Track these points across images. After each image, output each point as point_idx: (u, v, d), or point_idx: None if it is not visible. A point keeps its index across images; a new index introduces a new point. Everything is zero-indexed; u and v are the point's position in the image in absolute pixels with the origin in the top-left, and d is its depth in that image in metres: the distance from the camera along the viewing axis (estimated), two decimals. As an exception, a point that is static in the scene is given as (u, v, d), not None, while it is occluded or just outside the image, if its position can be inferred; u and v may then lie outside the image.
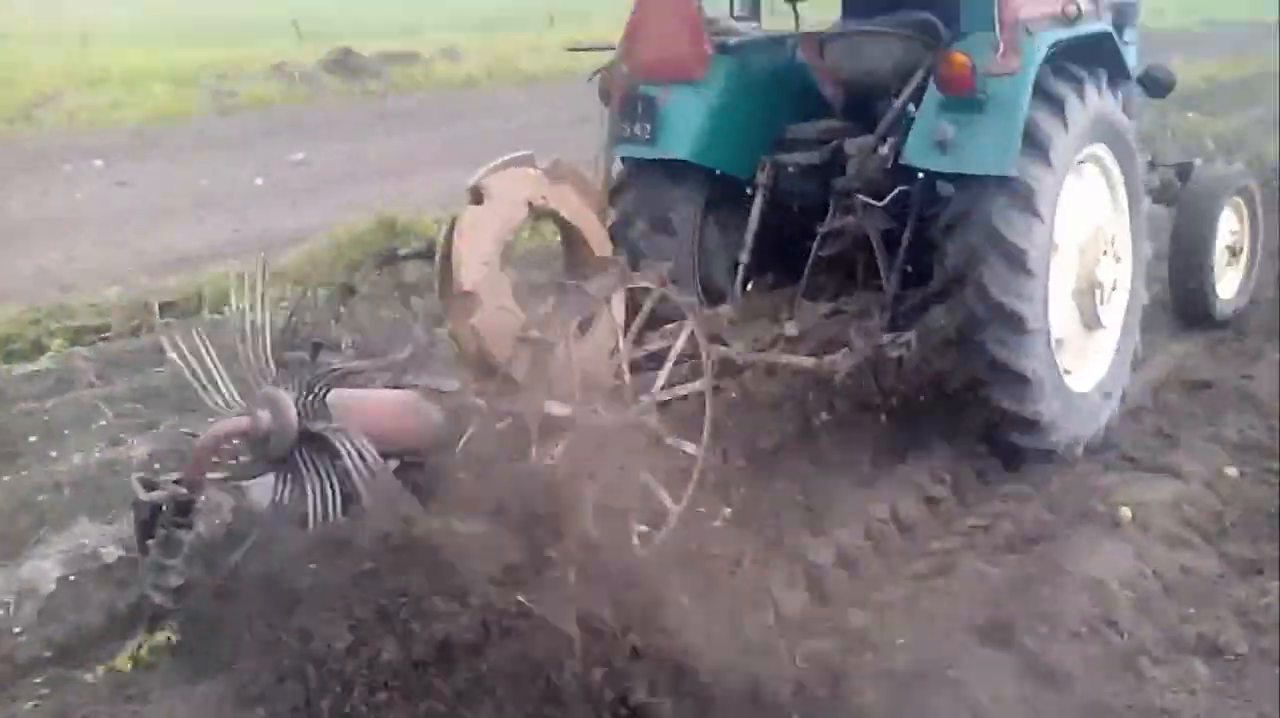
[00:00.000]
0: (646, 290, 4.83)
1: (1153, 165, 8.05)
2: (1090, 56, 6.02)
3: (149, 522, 4.08)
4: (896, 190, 5.92)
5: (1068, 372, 5.98)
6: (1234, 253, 8.21)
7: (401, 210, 10.44)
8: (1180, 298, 8.03)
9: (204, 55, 25.18)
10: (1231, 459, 6.06)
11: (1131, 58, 7.20)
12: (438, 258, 4.68)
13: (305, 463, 4.06)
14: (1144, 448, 6.27)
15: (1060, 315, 5.93)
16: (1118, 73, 6.38)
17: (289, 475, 4.09)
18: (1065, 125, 5.62)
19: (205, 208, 12.68)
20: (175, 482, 4.07)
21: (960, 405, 5.90)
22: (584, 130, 15.60)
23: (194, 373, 4.41)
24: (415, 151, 15.82)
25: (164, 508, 4.04)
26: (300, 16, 32.56)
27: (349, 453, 4.00)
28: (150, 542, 4.08)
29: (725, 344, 5.74)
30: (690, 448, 5.07)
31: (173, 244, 10.96)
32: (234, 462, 4.32)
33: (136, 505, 4.10)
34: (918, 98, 5.82)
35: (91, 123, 18.66)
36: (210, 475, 4.15)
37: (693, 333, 4.98)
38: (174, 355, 4.48)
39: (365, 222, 10.16)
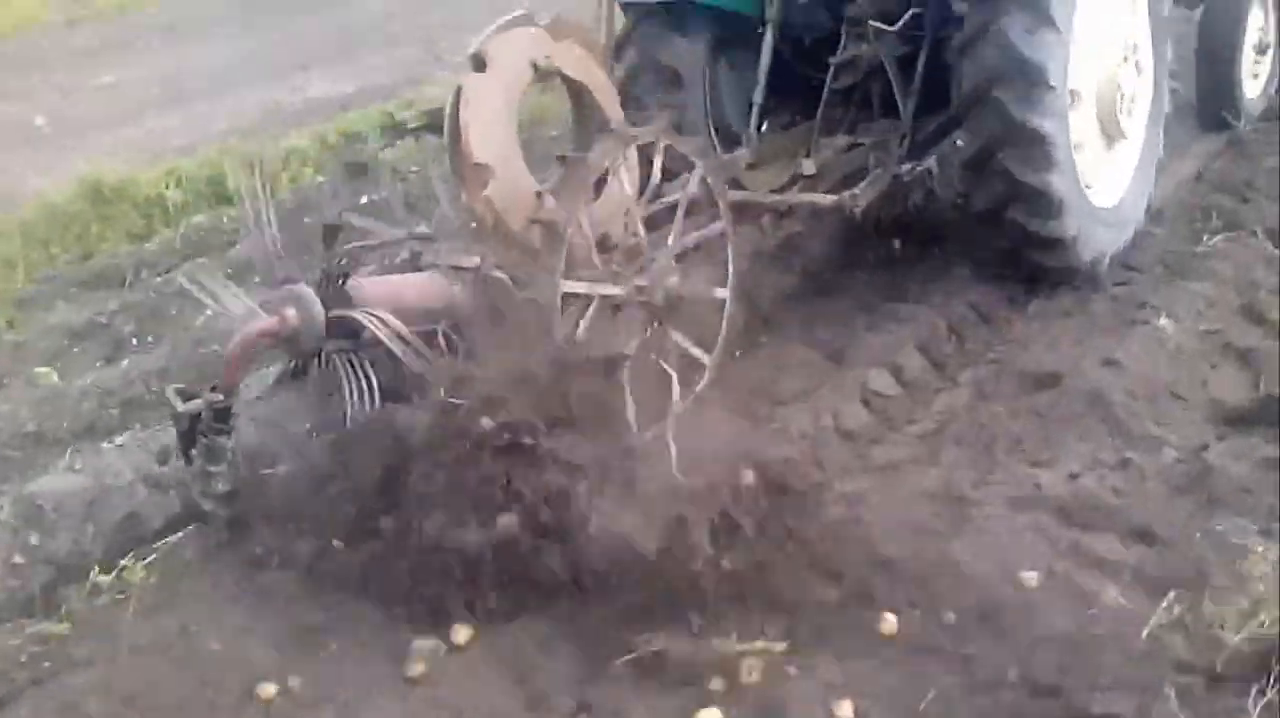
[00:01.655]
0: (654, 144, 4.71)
1: None
2: None
3: (189, 431, 4.05)
4: (910, 13, 5.72)
5: (1089, 186, 5.81)
6: (1260, 50, 7.94)
7: (120, 167, 8.88)
8: (1206, 100, 7.77)
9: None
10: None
11: None
12: (445, 129, 4.55)
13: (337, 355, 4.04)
14: (1173, 254, 6.17)
15: (1081, 129, 5.73)
16: None
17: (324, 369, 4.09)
18: None
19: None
20: (211, 389, 4.04)
21: (984, 230, 5.78)
22: None
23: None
24: (258, 55, 13.53)
25: (202, 416, 4.02)
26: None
27: (379, 328, 3.96)
28: (193, 450, 4.07)
29: (743, 188, 5.63)
30: (720, 292, 4.99)
31: None
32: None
33: (176, 417, 4.06)
34: None
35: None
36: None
37: (706, 179, 4.87)
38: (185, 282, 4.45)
39: (65, 191, 8.46)
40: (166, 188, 8.49)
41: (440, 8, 14.35)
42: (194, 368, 5.58)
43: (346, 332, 4.08)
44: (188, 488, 4.23)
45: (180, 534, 4.33)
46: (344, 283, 4.14)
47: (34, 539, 4.20)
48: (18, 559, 4.13)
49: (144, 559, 4.20)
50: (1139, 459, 4.37)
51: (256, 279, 4.58)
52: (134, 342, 6.48)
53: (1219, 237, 6.29)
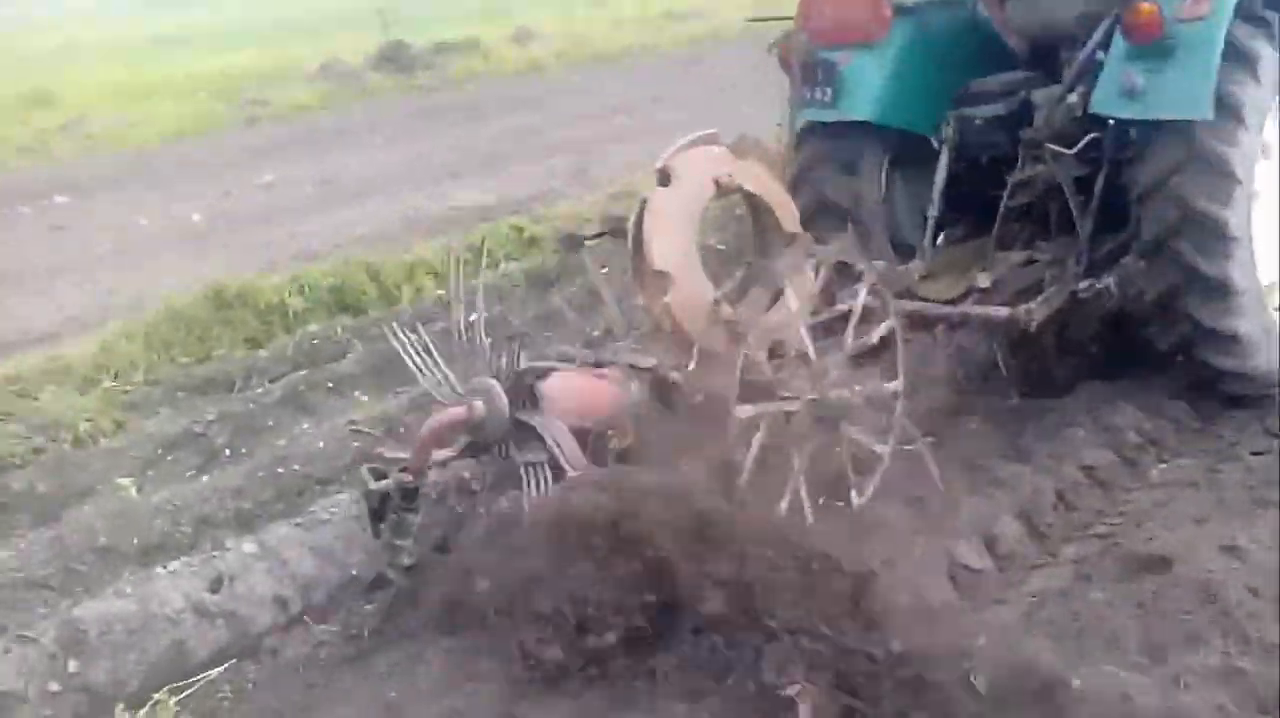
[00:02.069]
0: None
1: None
2: None
3: (380, 508, 4.38)
4: (1088, 138, 5.79)
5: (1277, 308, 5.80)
6: None
7: (247, 274, 9.01)
8: None
9: (261, 57, 23.73)
10: None
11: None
12: (630, 239, 4.84)
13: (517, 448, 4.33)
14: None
15: (1266, 261, 5.69)
16: None
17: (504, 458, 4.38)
18: (1257, 79, 5.42)
19: (113, 258, 11.17)
20: (401, 469, 4.36)
21: (1155, 326, 5.75)
22: (647, 109, 15.47)
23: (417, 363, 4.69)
24: (416, 162, 14.30)
25: (392, 495, 4.34)
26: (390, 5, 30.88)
27: (553, 445, 4.24)
28: (382, 525, 4.39)
29: (918, 298, 5.78)
30: (891, 385, 5.09)
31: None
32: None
33: (367, 494, 4.39)
34: (1104, 46, 5.67)
35: (111, 143, 17.58)
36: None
37: (877, 289, 5.02)
38: (397, 344, 4.77)
39: (189, 294, 8.50)
40: (289, 294, 8.60)
41: (598, 124, 15.15)
42: (271, 487, 5.78)
43: (528, 431, 4.37)
44: (235, 617, 4.49)
45: (222, 668, 4.42)
46: (530, 383, 4.44)
47: (73, 666, 4.17)
48: (54, 687, 4.12)
49: (179, 694, 4.27)
50: (1253, 670, 3.74)
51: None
52: (226, 453, 6.49)
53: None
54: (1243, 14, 5.39)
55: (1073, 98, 5.83)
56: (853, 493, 4.74)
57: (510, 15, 27.06)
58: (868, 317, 5.05)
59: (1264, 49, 5.47)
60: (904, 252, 6.25)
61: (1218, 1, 5.27)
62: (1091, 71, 5.70)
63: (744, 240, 5.81)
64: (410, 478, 4.34)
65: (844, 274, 5.00)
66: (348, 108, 19.02)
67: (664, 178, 4.82)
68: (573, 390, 4.52)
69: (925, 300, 5.79)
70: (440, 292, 8.43)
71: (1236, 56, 5.37)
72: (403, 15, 26.55)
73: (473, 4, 30.84)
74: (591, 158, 12.90)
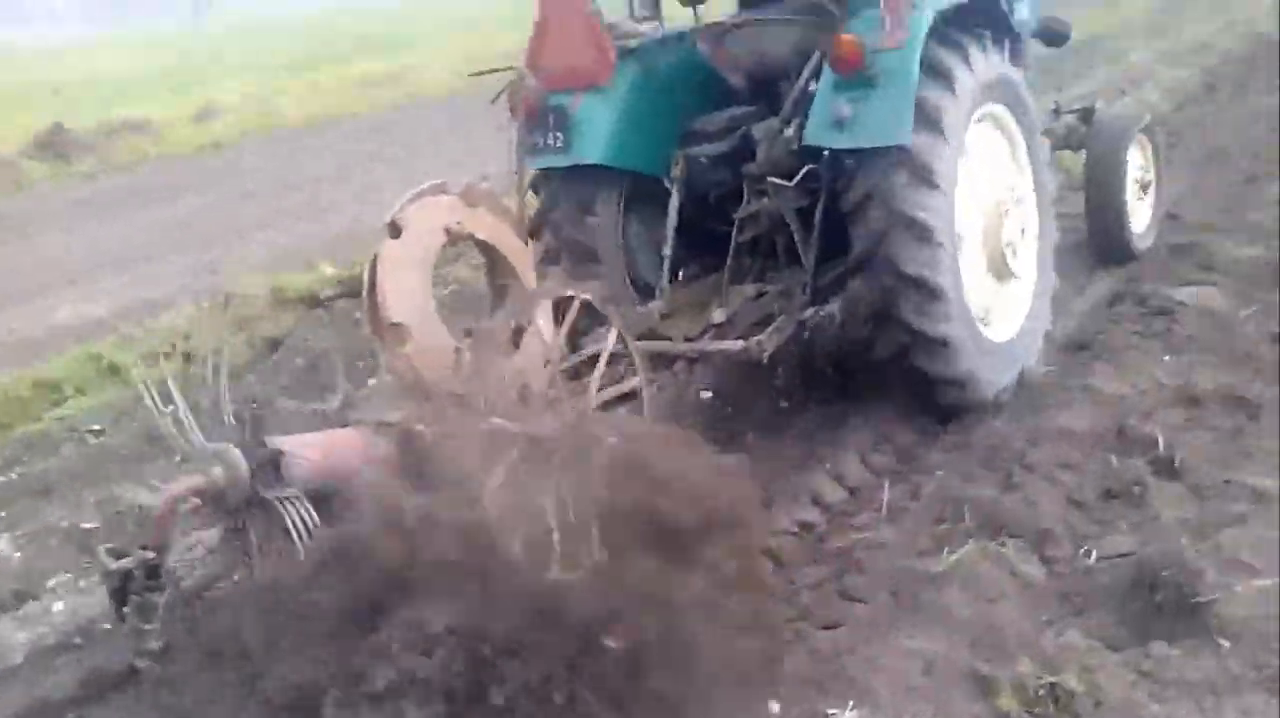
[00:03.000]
0: (571, 299, 4.91)
1: (1057, 112, 8.20)
2: (978, 19, 6.12)
3: (122, 589, 4.12)
4: (805, 169, 5.97)
5: (986, 323, 6.09)
6: (1144, 188, 8.32)
7: None
8: (1098, 236, 8.13)
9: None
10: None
11: (1025, 11, 7.31)
12: (364, 293, 4.75)
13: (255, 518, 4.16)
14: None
15: (972, 274, 6.02)
16: (1005, 31, 6.47)
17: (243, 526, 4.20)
18: (954, 95, 5.72)
19: None
20: (142, 547, 4.13)
21: (888, 373, 6.01)
22: (320, 184, 14.81)
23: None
24: (37, 267, 12.32)
25: (134, 574, 4.11)
26: (75, 80, 27.85)
27: (292, 521, 4.10)
28: (125, 608, 4.15)
29: (659, 337, 5.86)
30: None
31: None
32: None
33: (107, 575, 4.14)
34: (817, 77, 5.90)
35: None
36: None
37: (620, 333, 5.06)
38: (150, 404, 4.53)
39: None
40: None
41: (260, 206, 14.08)
42: None
43: (275, 478, 4.20)
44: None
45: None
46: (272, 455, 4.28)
47: None
48: None
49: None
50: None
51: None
52: None
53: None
54: (938, 38, 5.70)
55: (789, 131, 6.05)
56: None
57: (201, 88, 25.32)
58: (610, 360, 5.09)
59: (959, 67, 5.78)
60: (643, 291, 6.33)
61: (913, 29, 5.54)
62: (806, 104, 5.89)
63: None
64: (153, 554, 4.12)
65: (589, 317, 5.03)
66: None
67: (395, 230, 4.76)
68: (316, 454, 4.37)
69: (665, 339, 5.87)
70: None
71: (935, 75, 5.66)
72: (76, 95, 24.27)
73: (157, 82, 28.46)
74: (235, 249, 11.95)
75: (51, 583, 5.68)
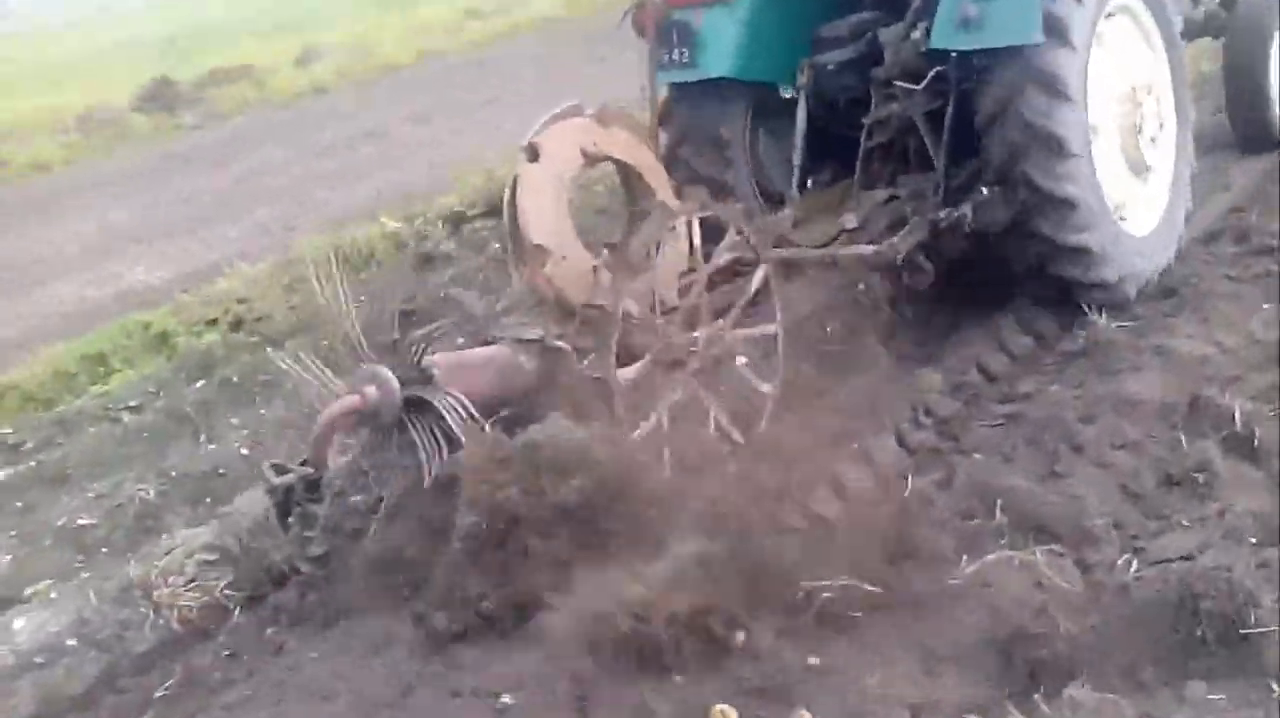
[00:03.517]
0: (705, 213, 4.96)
1: (1195, 1, 7.90)
2: None
3: (285, 502, 4.37)
4: (933, 72, 5.88)
5: (1123, 219, 5.97)
6: None
7: None
8: (1240, 126, 7.85)
9: (18, 106, 20.17)
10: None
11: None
12: (504, 217, 4.86)
13: (413, 426, 4.32)
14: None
15: (1110, 172, 5.89)
16: None
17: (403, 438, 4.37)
18: (1080, 2, 5.58)
19: None
20: (302, 463, 4.35)
21: (1014, 248, 5.88)
22: (410, 128, 14.33)
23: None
24: (122, 228, 12.33)
25: (295, 489, 4.33)
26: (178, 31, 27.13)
27: (448, 409, 4.24)
28: (289, 519, 4.38)
29: (791, 244, 5.87)
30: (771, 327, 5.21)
31: None
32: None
33: (272, 491, 4.37)
34: None
35: None
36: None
37: (751, 242, 5.10)
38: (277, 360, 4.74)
39: None
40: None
41: (345, 155, 13.69)
42: None
43: (423, 405, 4.36)
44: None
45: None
46: (419, 360, 4.43)
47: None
48: None
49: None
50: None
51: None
52: None
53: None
54: None
55: (916, 34, 5.94)
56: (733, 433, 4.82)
57: (300, 32, 24.41)
58: (745, 267, 5.14)
59: None
60: (775, 201, 6.32)
61: None
62: (932, 7, 5.76)
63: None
64: (312, 470, 4.33)
65: (721, 232, 5.08)
66: (97, 161, 16.47)
67: (532, 153, 4.85)
68: (461, 367, 4.52)
69: (797, 246, 5.87)
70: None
71: None
72: (184, 45, 23.87)
73: (261, 23, 27.68)
74: (308, 206, 11.58)
75: (29, 592, 5.53)
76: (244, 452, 6.37)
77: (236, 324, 8.29)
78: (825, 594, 3.82)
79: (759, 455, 4.53)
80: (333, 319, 4.51)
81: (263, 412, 6.91)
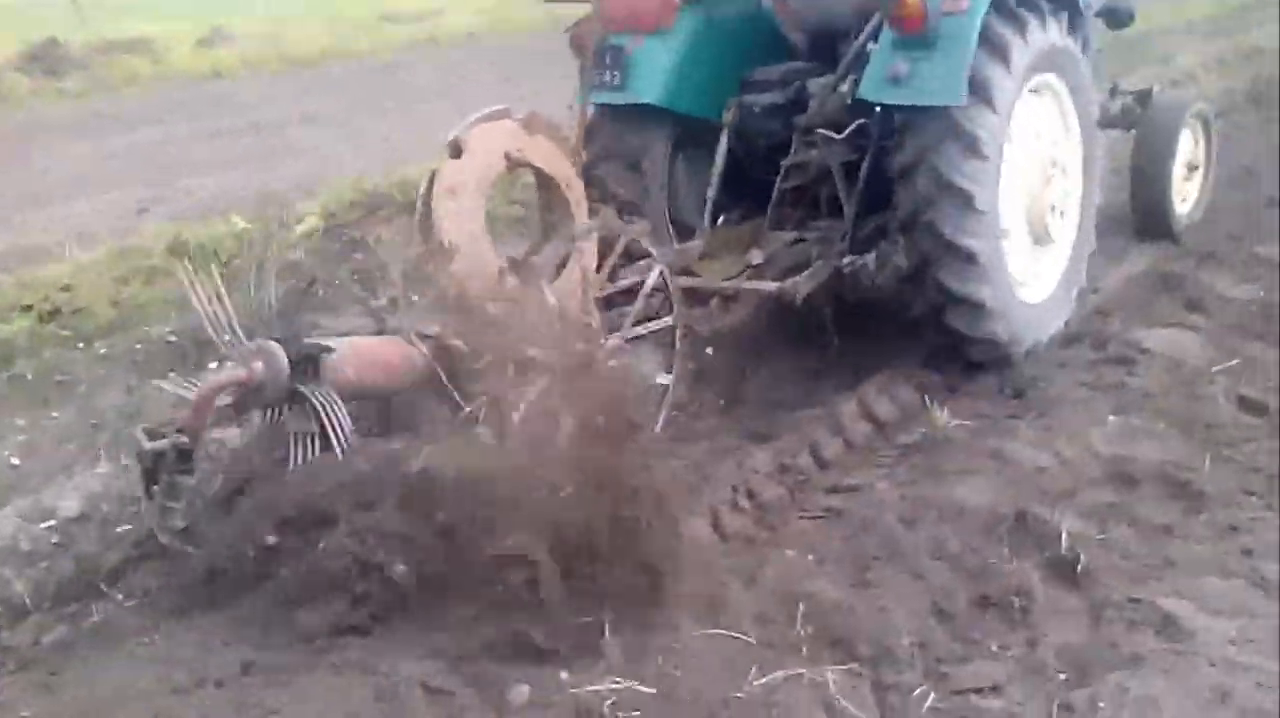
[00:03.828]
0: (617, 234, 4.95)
1: (1114, 92, 8.11)
2: None
3: (153, 469, 4.21)
4: (855, 124, 6.01)
5: (1023, 284, 6.14)
6: (1191, 170, 8.28)
7: None
8: (1141, 213, 8.09)
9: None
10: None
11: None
12: (418, 210, 4.78)
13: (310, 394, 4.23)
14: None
15: (1013, 238, 6.03)
16: (1067, 5, 6.41)
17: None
18: (1008, 67, 5.71)
19: None
20: (177, 431, 4.20)
21: (918, 326, 6.02)
22: (297, 125, 13.29)
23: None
24: None
25: (166, 456, 4.18)
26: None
27: (326, 416, 4.17)
28: (155, 487, 4.23)
29: (695, 275, 5.91)
30: (664, 378, 5.22)
31: None
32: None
33: (140, 454, 4.22)
34: (876, 38, 5.89)
35: None
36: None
37: (661, 270, 5.11)
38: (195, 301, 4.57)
39: None
40: None
41: (227, 143, 12.79)
42: None
43: (313, 377, 4.25)
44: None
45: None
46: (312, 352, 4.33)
47: None
48: None
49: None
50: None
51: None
52: None
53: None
54: (996, 9, 5.67)
55: (844, 86, 6.07)
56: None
57: (212, 14, 22.10)
58: (649, 294, 5.15)
59: (1015, 41, 5.76)
60: (684, 232, 6.36)
61: None
62: (863, 62, 5.88)
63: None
64: (186, 440, 4.19)
65: (629, 254, 5.08)
66: None
67: (455, 150, 4.79)
68: (355, 357, 4.43)
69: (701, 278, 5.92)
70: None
71: (991, 47, 5.64)
72: (88, 9, 21.08)
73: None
74: (171, 191, 10.66)
75: None
76: (15, 461, 5.70)
77: (52, 314, 7.44)
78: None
79: None
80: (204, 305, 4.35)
81: (54, 415, 6.19)
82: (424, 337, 4.60)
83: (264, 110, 14.47)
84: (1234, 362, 6.03)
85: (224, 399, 4.28)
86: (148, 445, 4.20)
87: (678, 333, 5.27)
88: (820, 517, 4.90)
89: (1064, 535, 4.41)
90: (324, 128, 13.35)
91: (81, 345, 6.88)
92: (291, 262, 7.87)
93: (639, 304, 5.01)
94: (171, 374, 4.76)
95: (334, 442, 4.16)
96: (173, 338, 6.81)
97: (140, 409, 5.82)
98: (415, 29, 21.51)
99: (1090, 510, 4.70)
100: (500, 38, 19.04)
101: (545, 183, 5.18)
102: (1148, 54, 14.21)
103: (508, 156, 4.89)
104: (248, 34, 20.33)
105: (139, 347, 6.80)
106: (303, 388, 4.21)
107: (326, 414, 4.18)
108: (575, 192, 5.24)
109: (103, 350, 6.84)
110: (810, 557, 4.52)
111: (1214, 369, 5.98)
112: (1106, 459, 5.11)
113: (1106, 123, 7.61)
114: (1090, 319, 6.74)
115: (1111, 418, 5.48)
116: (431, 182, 4.72)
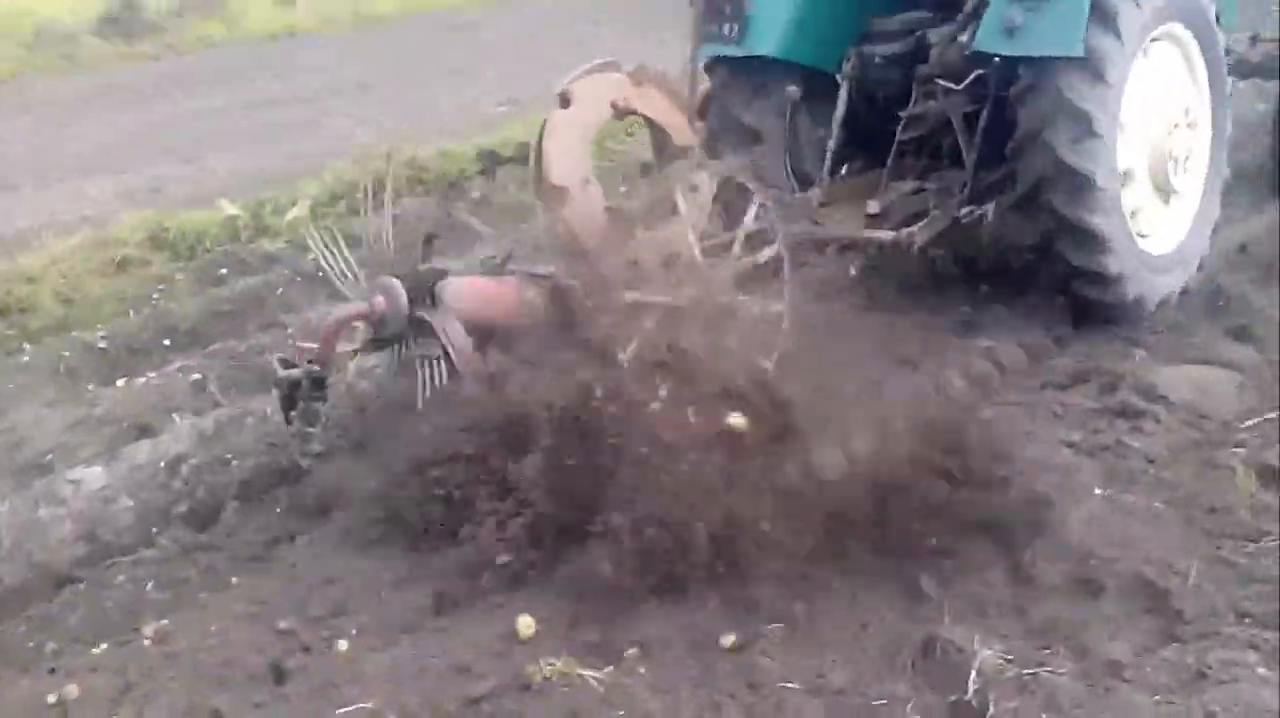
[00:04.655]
0: (729, 179, 5.09)
1: (1254, 40, 7.88)
2: None
3: (290, 395, 4.57)
4: (975, 74, 5.96)
5: (1143, 234, 6.04)
6: None
7: None
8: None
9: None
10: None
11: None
12: (531, 158, 5.04)
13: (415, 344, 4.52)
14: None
15: (1134, 182, 5.96)
16: None
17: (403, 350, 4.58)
18: (1118, 35, 5.62)
19: None
20: (309, 360, 4.56)
21: (1035, 267, 6.00)
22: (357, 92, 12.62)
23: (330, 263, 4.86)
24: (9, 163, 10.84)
25: (301, 383, 4.54)
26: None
27: (446, 341, 4.43)
28: (293, 413, 4.59)
29: (816, 224, 6.00)
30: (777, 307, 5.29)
31: None
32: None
33: (278, 382, 4.58)
34: None
35: None
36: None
37: (772, 216, 5.22)
38: (314, 247, 4.94)
39: None
40: None
41: (294, 111, 12.60)
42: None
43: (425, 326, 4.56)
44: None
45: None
46: (432, 283, 4.63)
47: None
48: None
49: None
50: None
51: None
52: None
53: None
54: None
55: (964, 37, 6.02)
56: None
57: None
58: (764, 240, 5.28)
59: (1125, 5, 5.65)
60: (804, 182, 6.41)
61: None
62: (982, 11, 5.84)
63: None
64: (318, 367, 4.53)
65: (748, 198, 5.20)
66: (37, 79, 15.14)
67: (564, 100, 5.03)
68: (472, 293, 4.70)
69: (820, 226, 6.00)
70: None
71: (1101, 14, 5.56)
72: None
73: None
74: (193, 169, 10.55)
75: None
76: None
77: (1, 311, 7.14)
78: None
79: None
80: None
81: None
82: (538, 277, 4.85)
83: (322, 75, 14.23)
84: (1274, 413, 4.93)
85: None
86: (282, 373, 4.57)
87: (786, 260, 5.31)
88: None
89: (971, 676, 3.41)
90: (374, 94, 13.02)
91: (12, 350, 6.68)
92: (266, 253, 7.84)
93: (740, 237, 5.07)
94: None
95: (455, 362, 4.43)
96: (104, 344, 6.55)
97: (22, 440, 5.47)
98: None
99: (1028, 632, 3.68)
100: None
101: (656, 132, 5.39)
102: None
103: (614, 105, 5.11)
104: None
105: (67, 354, 6.45)
106: (424, 315, 4.50)
107: (447, 336, 4.45)
108: (686, 141, 5.42)
109: (25, 359, 6.54)
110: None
111: (1245, 425, 4.90)
112: (1071, 556, 3.97)
113: (1246, 72, 7.42)
114: (1110, 350, 5.86)
115: (1098, 492, 4.41)
116: (543, 130, 4.97)
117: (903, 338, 5.67)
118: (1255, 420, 4.92)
